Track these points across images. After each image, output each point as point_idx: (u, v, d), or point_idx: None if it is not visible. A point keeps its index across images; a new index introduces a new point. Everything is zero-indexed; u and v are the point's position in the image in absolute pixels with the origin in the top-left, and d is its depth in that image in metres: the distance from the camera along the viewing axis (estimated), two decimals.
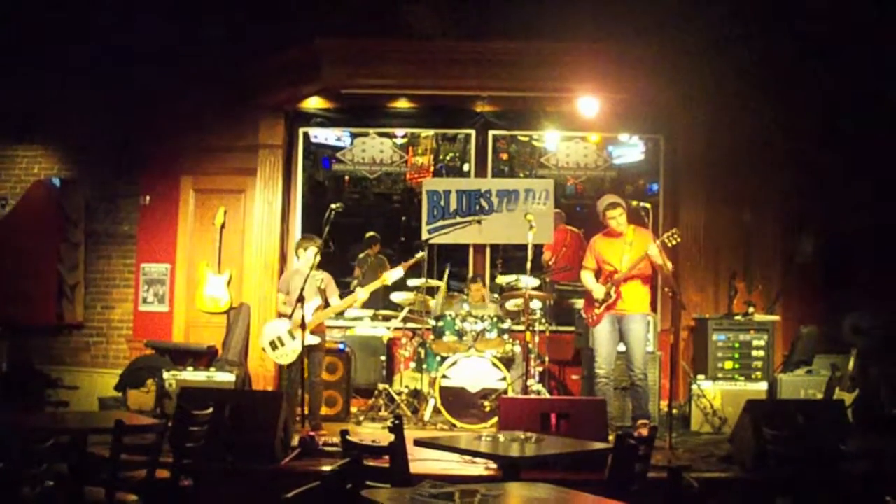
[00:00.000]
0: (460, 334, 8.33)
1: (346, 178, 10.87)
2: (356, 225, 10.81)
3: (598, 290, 7.45)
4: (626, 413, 7.83)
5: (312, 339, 7.57)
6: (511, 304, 8.93)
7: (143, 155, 9.82)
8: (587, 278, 7.63)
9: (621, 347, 7.57)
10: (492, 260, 9.89)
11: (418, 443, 4.98)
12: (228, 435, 5.88)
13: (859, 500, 5.47)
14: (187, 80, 9.53)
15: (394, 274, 7.98)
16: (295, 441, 6.63)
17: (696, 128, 9.44)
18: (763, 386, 8.27)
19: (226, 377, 8.61)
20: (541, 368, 8.59)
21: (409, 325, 9.05)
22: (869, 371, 7.85)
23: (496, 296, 9.28)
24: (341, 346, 8.79)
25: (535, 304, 8.58)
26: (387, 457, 4.47)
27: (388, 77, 9.37)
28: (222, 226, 9.64)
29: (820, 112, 9.18)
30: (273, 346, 7.72)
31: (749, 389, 8.11)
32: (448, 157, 10.63)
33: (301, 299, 7.31)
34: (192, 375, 8.57)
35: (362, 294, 7.83)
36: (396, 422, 4.66)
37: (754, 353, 8.58)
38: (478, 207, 9.68)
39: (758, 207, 9.37)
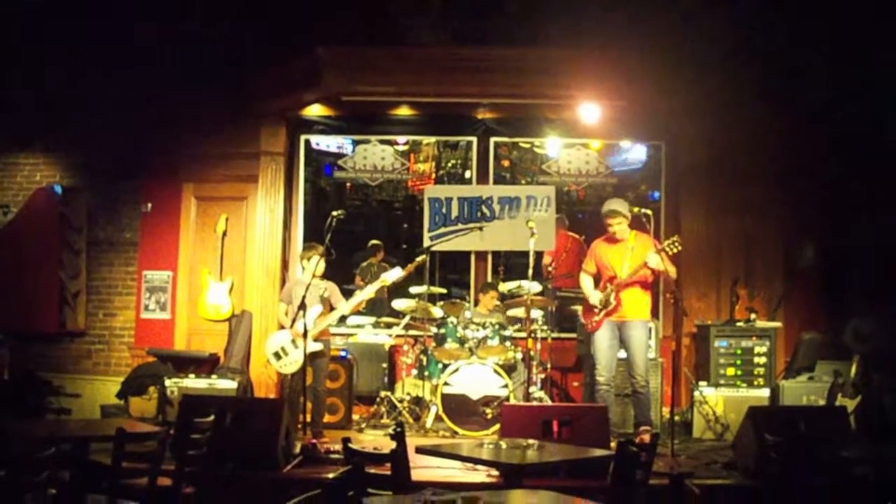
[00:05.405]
0: (462, 341, 8.32)
1: (348, 185, 10.89)
2: (358, 232, 10.83)
3: (594, 297, 7.45)
4: (628, 420, 7.82)
5: (316, 346, 7.57)
6: (513, 311, 8.92)
7: (144, 162, 9.83)
8: (585, 283, 7.62)
9: (622, 354, 7.56)
10: (493, 267, 9.89)
11: (420, 450, 4.98)
12: (230, 442, 5.87)
13: None
14: (188, 87, 9.54)
15: (392, 274, 7.96)
16: (297, 448, 6.62)
17: (697, 135, 9.43)
18: (765, 392, 8.26)
19: (227, 384, 8.61)
20: (542, 375, 8.58)
21: (411, 332, 9.05)
22: (871, 377, 7.83)
23: (499, 303, 9.28)
24: (343, 354, 8.78)
25: (536, 314, 8.56)
26: (388, 464, 4.47)
27: (388, 85, 9.36)
28: (224, 233, 9.64)
29: (821, 119, 9.18)
30: (277, 356, 7.71)
31: (751, 396, 8.12)
32: (450, 165, 10.65)
33: (302, 307, 7.30)
34: (193, 383, 8.58)
35: (369, 290, 7.80)
36: (398, 429, 4.66)
37: (756, 359, 8.57)
38: (479, 214, 9.68)
39: (759, 214, 9.37)
